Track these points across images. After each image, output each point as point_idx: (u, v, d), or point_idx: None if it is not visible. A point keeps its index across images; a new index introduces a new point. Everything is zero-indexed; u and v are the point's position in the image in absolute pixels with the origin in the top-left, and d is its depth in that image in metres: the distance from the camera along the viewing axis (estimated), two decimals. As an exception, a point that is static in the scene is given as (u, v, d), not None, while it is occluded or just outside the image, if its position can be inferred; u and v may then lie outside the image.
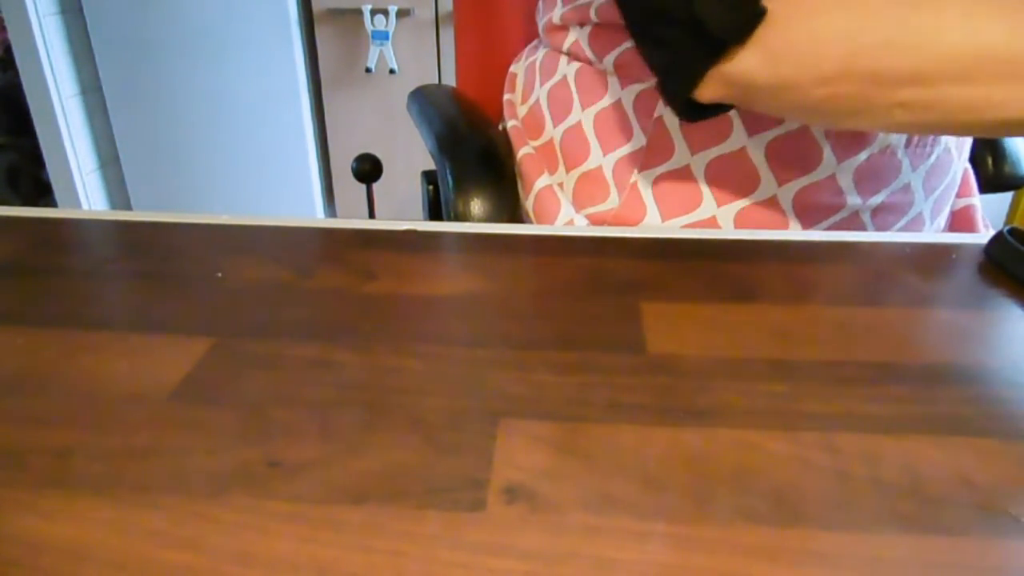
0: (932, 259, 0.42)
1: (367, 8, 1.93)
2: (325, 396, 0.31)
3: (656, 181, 0.53)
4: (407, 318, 0.36)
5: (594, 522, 0.25)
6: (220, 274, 0.41)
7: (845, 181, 0.51)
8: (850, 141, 0.50)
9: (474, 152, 0.62)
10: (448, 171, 0.59)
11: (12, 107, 2.04)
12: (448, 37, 1.95)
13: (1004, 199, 1.73)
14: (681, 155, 0.52)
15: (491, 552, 0.24)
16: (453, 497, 0.26)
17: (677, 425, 0.29)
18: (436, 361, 0.33)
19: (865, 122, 0.41)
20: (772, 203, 0.51)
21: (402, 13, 1.95)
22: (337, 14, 1.97)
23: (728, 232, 0.45)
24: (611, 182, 0.55)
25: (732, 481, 0.27)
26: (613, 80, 0.54)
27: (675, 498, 0.26)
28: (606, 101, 0.55)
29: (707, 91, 0.43)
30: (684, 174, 0.52)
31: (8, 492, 0.26)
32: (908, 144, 0.51)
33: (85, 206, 2.07)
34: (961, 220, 0.61)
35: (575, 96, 0.57)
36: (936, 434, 0.29)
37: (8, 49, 1.91)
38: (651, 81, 0.52)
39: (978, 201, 0.62)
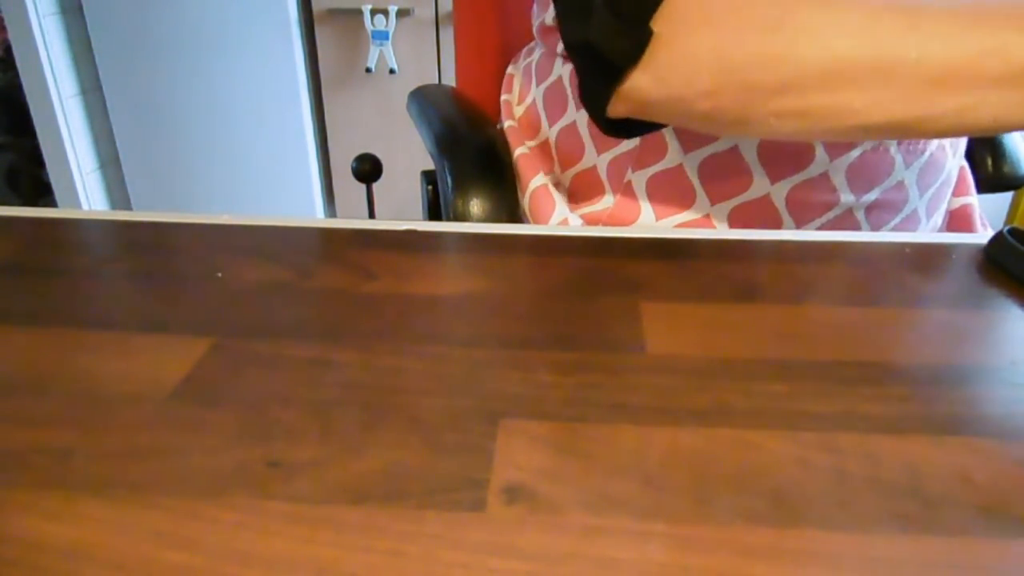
0: (932, 259, 0.42)
1: (367, 8, 1.93)
2: (325, 396, 0.31)
3: (650, 180, 0.53)
4: (407, 318, 0.36)
5: (594, 522, 0.25)
6: (220, 274, 0.41)
7: (838, 179, 0.51)
8: None
9: (473, 152, 0.62)
10: (447, 171, 0.59)
11: (12, 107, 2.04)
12: (448, 37, 1.95)
13: (1004, 199, 1.73)
14: (674, 154, 0.52)
15: (491, 552, 0.24)
16: (453, 497, 0.26)
17: (677, 425, 0.29)
18: (436, 361, 0.33)
19: (750, 130, 0.42)
20: (765, 201, 0.51)
21: (402, 13, 1.95)
22: (337, 14, 1.97)
23: (728, 232, 0.45)
24: (606, 181, 0.55)
25: (732, 481, 0.27)
26: None
27: (675, 498, 0.26)
28: None
29: (615, 109, 0.44)
30: (677, 173, 0.53)
31: (8, 492, 0.26)
32: (901, 141, 0.51)
33: (85, 206, 2.07)
34: (958, 219, 0.61)
35: (570, 96, 0.58)
36: (936, 434, 0.29)
37: (8, 49, 1.91)
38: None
39: (975, 200, 0.62)
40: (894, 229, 0.54)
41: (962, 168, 0.62)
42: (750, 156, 0.51)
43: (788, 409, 0.30)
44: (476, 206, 0.57)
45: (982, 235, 0.44)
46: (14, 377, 0.32)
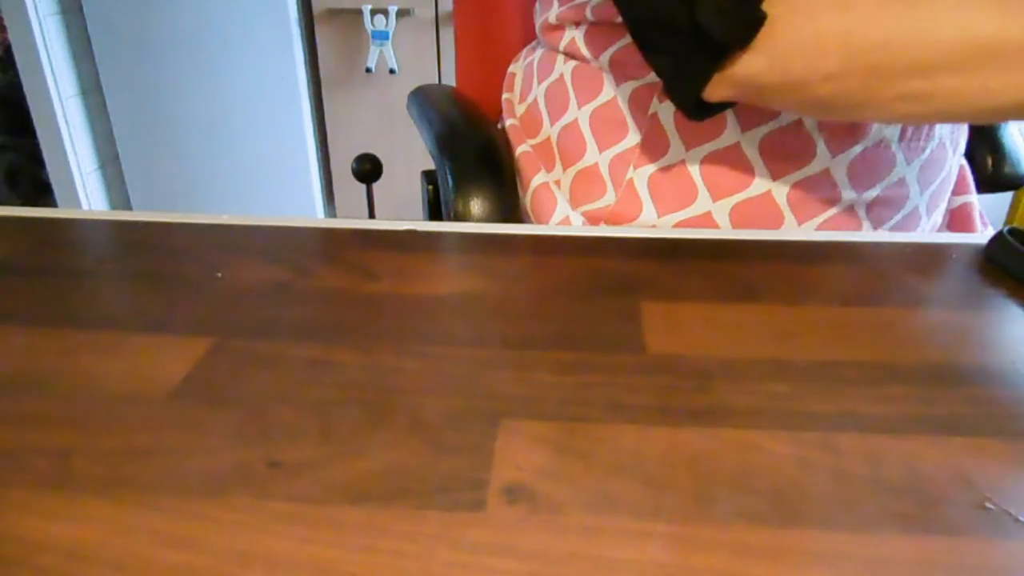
0: (932, 259, 0.42)
1: (367, 8, 1.93)
2: (325, 396, 0.31)
3: (652, 177, 0.53)
4: (407, 318, 0.36)
5: (594, 522, 0.25)
6: (220, 274, 0.41)
7: (839, 175, 0.51)
8: (843, 135, 0.50)
9: (474, 152, 0.62)
10: (448, 171, 0.59)
11: (12, 107, 2.04)
12: (448, 37, 1.95)
13: (1004, 199, 1.73)
14: (676, 151, 0.52)
15: (491, 552, 0.24)
16: (453, 497, 0.26)
17: (677, 425, 0.29)
18: (436, 361, 0.33)
19: (870, 114, 0.42)
20: (767, 198, 0.51)
21: (402, 13, 1.95)
22: (337, 14, 1.97)
23: (728, 232, 0.45)
24: (607, 179, 0.55)
25: (732, 481, 0.27)
26: (608, 78, 0.55)
27: (675, 498, 0.26)
28: (602, 98, 0.55)
29: (716, 92, 0.44)
30: (679, 170, 0.53)
31: (8, 492, 0.26)
32: (902, 138, 0.51)
33: (85, 206, 2.07)
34: (959, 218, 0.61)
35: (572, 94, 0.57)
36: (936, 434, 0.29)
37: (8, 49, 1.91)
38: (646, 78, 0.53)
39: (975, 199, 0.62)
40: (895, 227, 0.54)
41: (962, 167, 0.62)
42: (752, 153, 0.51)
43: (788, 409, 0.30)
44: (476, 206, 0.57)
45: (982, 235, 0.44)
46: (14, 377, 0.32)
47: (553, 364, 0.33)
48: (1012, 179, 0.73)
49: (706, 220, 0.52)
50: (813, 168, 0.51)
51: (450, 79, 2.00)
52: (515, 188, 0.61)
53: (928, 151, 0.52)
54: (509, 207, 0.58)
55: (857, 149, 0.50)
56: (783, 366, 0.33)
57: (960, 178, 0.62)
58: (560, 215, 0.56)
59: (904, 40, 0.38)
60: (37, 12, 1.87)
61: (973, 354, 0.34)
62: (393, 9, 1.93)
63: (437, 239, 0.45)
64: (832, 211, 0.52)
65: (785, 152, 0.51)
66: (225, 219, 0.48)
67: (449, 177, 0.59)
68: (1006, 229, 0.41)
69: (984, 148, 0.73)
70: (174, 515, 0.25)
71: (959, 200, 0.61)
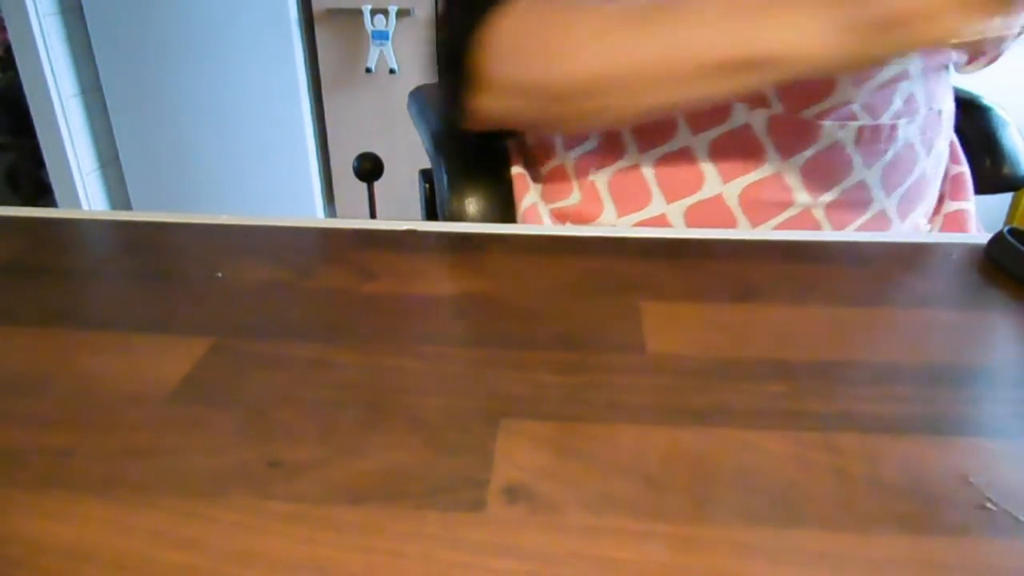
0: (932, 259, 0.42)
1: (367, 8, 1.93)
2: (325, 396, 0.31)
3: (611, 180, 0.55)
4: (407, 318, 0.36)
5: (594, 522, 0.25)
6: (220, 274, 0.41)
7: (792, 179, 0.51)
8: (794, 140, 0.51)
9: (470, 151, 0.62)
10: (443, 169, 0.59)
11: (12, 107, 2.04)
12: (448, 37, 1.95)
13: (1004, 199, 1.73)
14: (632, 154, 0.54)
15: (491, 552, 0.24)
16: (453, 497, 0.26)
17: (677, 425, 0.29)
18: (436, 361, 0.33)
19: (554, 129, 0.57)
20: (718, 201, 0.52)
21: (402, 13, 1.95)
22: (337, 14, 1.97)
23: (728, 232, 0.45)
24: (573, 178, 0.57)
25: (732, 481, 0.27)
26: None
27: (675, 498, 0.26)
28: None
29: (474, 124, 0.54)
30: (634, 172, 0.54)
31: (8, 492, 0.26)
32: (859, 141, 0.51)
33: (85, 206, 2.07)
34: (952, 223, 0.61)
35: None
36: (936, 434, 0.29)
37: (8, 49, 1.91)
38: None
39: (972, 206, 0.62)
40: (861, 228, 0.54)
41: (961, 173, 0.62)
42: (702, 156, 0.52)
43: (788, 409, 0.30)
44: (471, 204, 0.57)
45: (982, 235, 0.44)
46: (15, 377, 0.32)
47: (553, 364, 0.33)
48: (1012, 180, 0.72)
49: (661, 222, 0.54)
50: (764, 171, 0.51)
51: (450, 79, 1.99)
52: (510, 188, 0.61)
53: (891, 153, 0.52)
54: (503, 206, 0.58)
55: (808, 152, 0.51)
56: (783, 366, 0.33)
57: (958, 184, 0.62)
58: (529, 201, 0.58)
59: (546, 78, 0.48)
60: (37, 12, 1.87)
61: (973, 354, 0.34)
62: (393, 9, 1.93)
63: (437, 239, 0.45)
64: (786, 214, 0.52)
65: (735, 156, 0.51)
66: (225, 219, 0.48)
67: (444, 176, 0.59)
68: (1006, 229, 0.41)
69: (982, 149, 0.73)
70: (174, 515, 0.25)
71: (955, 206, 0.61)
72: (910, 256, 0.42)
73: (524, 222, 0.59)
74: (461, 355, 0.33)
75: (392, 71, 1.99)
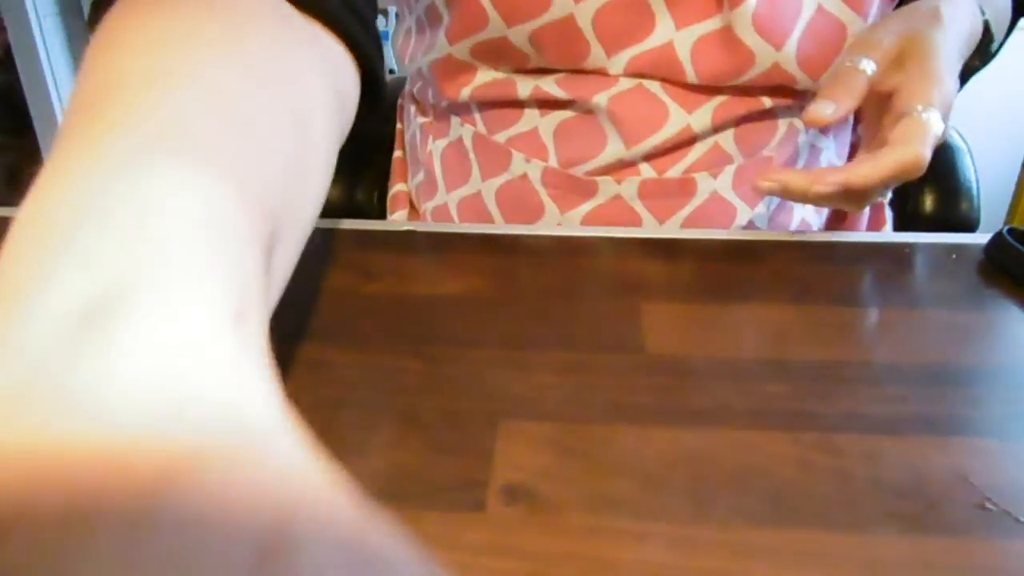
0: (932, 259, 0.42)
1: (367, 8, 1.93)
2: (324, 397, 0.31)
3: (457, 207, 0.55)
4: (407, 318, 0.36)
5: (594, 522, 0.25)
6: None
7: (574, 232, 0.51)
8: (570, 193, 0.50)
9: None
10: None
11: (12, 107, 2.04)
12: (448, 37, 1.95)
13: (1005, 197, 1.73)
14: (441, 192, 0.56)
15: (491, 552, 0.24)
16: (453, 497, 0.26)
17: (677, 425, 0.29)
18: (436, 361, 0.33)
19: None
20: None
21: (402, 13, 1.95)
22: (337, 14, 1.97)
23: (727, 232, 0.45)
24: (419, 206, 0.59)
25: (732, 481, 0.27)
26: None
27: (675, 498, 0.26)
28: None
29: None
30: (444, 211, 0.56)
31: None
32: (644, 196, 0.49)
33: (85, 206, 2.07)
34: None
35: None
36: (936, 434, 0.29)
37: (8, 49, 1.91)
38: (422, 119, 0.58)
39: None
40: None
41: (879, 209, 0.59)
42: (490, 203, 0.53)
43: (788, 409, 0.30)
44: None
45: (982, 235, 0.44)
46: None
47: (553, 364, 0.33)
48: (964, 221, 0.64)
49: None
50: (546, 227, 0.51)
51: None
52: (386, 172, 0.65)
53: (689, 208, 0.49)
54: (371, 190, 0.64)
55: (585, 207, 0.50)
56: (783, 366, 0.33)
57: (871, 219, 0.59)
58: (401, 216, 0.61)
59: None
60: (37, 12, 1.87)
61: (973, 354, 0.34)
62: (393, 9, 1.93)
63: (437, 239, 0.45)
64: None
65: (517, 206, 0.52)
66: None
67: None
68: (1005, 229, 0.41)
69: (926, 185, 0.65)
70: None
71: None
72: (910, 256, 0.42)
73: (391, 207, 0.62)
74: (460, 355, 0.33)
75: (392, 71, 1.99)
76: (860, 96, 0.41)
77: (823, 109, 0.41)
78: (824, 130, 0.52)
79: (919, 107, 0.40)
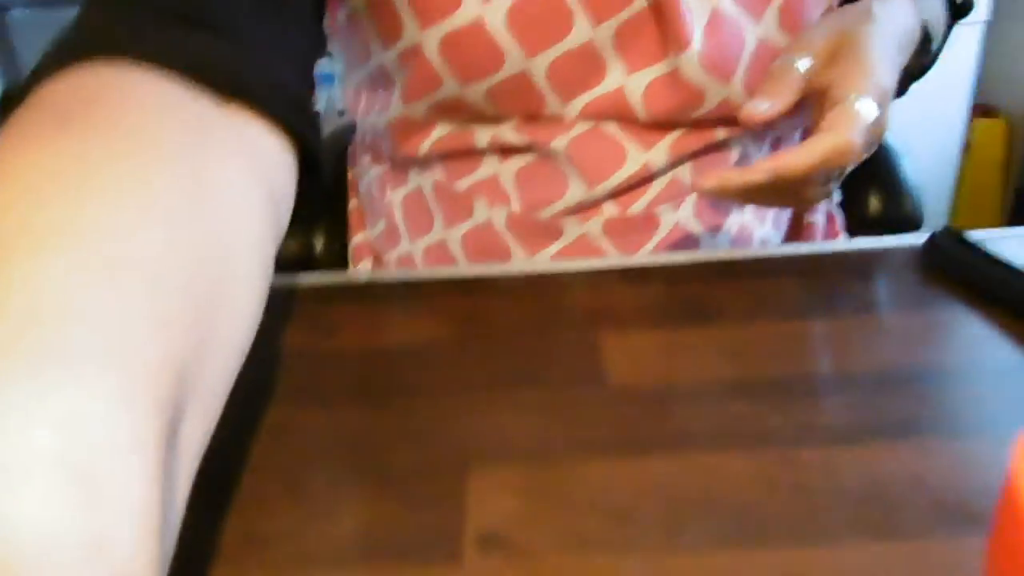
0: (874, 265, 0.44)
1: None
2: (291, 460, 0.31)
3: (420, 257, 0.56)
4: (371, 371, 0.37)
5: (570, 563, 0.25)
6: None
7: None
8: (536, 237, 0.51)
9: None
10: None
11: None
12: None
13: (942, 197, 1.77)
14: (404, 242, 0.56)
15: (470, 604, 0.24)
16: (429, 551, 0.26)
17: (642, 455, 0.30)
18: (401, 414, 0.33)
19: None
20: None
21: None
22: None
23: (681, 255, 0.46)
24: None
25: (699, 506, 0.27)
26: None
27: (646, 529, 0.27)
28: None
29: None
30: (409, 260, 0.56)
31: None
32: (609, 233, 0.50)
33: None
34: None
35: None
36: (889, 438, 0.30)
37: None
38: (378, 167, 0.58)
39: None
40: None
41: (811, 224, 0.60)
42: (455, 251, 0.53)
43: (748, 429, 0.31)
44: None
45: (920, 235, 0.45)
46: None
47: (518, 405, 0.33)
48: (910, 219, 0.67)
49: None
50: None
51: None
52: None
53: (653, 242, 0.51)
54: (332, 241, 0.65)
55: (552, 249, 0.51)
56: (741, 385, 0.34)
57: (827, 229, 0.60)
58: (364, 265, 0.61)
59: None
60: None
61: (918, 355, 0.35)
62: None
63: (394, 289, 0.45)
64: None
65: (485, 251, 0.52)
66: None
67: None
68: (938, 231, 0.42)
69: (870, 187, 0.68)
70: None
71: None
72: (853, 263, 0.44)
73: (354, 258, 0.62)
74: (425, 404, 0.34)
75: (340, 113, 1.99)
76: (795, 92, 0.43)
77: (758, 106, 0.42)
78: (775, 147, 0.54)
79: (852, 96, 0.41)
